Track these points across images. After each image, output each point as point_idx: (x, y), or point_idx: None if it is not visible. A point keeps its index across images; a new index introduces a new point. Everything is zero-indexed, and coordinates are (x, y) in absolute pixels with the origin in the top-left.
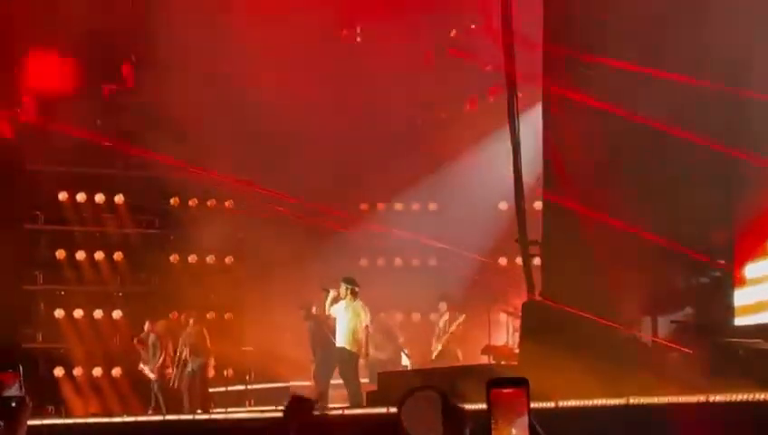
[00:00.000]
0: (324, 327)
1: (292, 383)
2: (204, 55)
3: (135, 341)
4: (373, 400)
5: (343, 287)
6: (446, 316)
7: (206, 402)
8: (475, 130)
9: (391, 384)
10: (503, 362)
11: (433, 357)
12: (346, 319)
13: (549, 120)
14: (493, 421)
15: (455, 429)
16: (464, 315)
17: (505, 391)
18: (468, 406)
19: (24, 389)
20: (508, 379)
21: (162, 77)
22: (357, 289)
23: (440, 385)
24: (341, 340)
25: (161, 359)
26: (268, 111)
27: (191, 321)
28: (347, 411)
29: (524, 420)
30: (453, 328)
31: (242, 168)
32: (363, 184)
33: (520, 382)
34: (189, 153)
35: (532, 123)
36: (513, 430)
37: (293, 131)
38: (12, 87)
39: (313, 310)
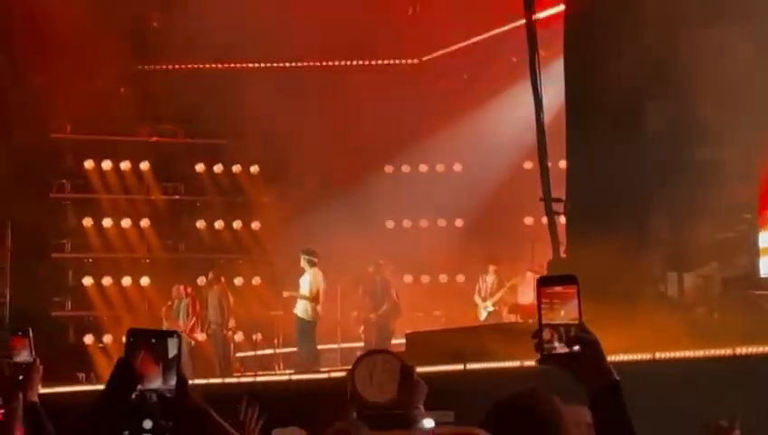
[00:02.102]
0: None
1: (320, 347)
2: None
3: (163, 310)
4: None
5: (303, 259)
6: (493, 277)
7: (231, 365)
8: (499, 90)
9: (419, 344)
10: (530, 321)
11: (482, 318)
12: (305, 288)
13: (571, 71)
14: (541, 319)
15: (408, 395)
16: (516, 278)
17: (555, 288)
18: (494, 364)
19: (34, 352)
20: (557, 276)
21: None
22: (311, 259)
23: (466, 344)
24: (299, 308)
25: (191, 323)
26: (295, 73)
27: (216, 281)
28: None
29: (575, 312)
30: (501, 294)
31: (269, 132)
32: (387, 145)
33: (569, 280)
34: (212, 120)
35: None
36: (555, 321)
37: (319, 91)
38: (37, 56)
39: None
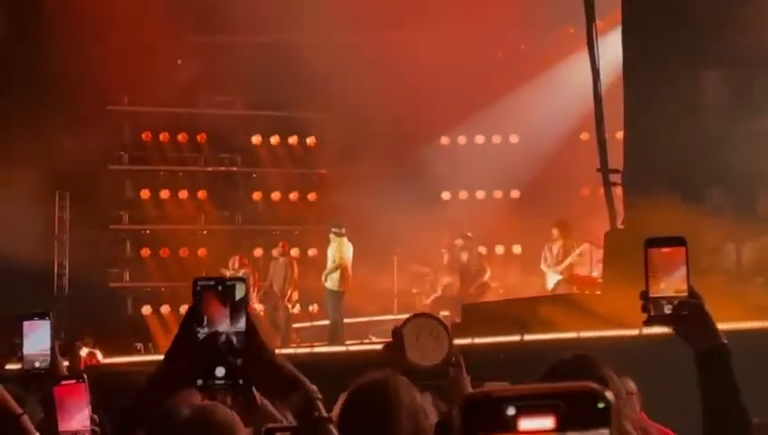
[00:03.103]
0: None
1: (375, 318)
2: None
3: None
4: (457, 331)
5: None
6: (559, 243)
7: (289, 336)
8: (556, 62)
9: (476, 315)
10: (586, 292)
11: (550, 287)
12: (330, 259)
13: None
14: (649, 280)
15: (455, 374)
16: (585, 244)
17: (663, 250)
18: (551, 335)
19: (54, 339)
20: (666, 238)
21: (242, 15)
22: (337, 231)
23: (523, 315)
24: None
25: (253, 294)
26: (352, 45)
27: (283, 253)
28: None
29: (682, 275)
30: (571, 259)
31: (326, 104)
32: (443, 117)
33: (678, 241)
34: (269, 92)
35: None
36: (662, 288)
37: (376, 63)
38: (95, 29)
39: None
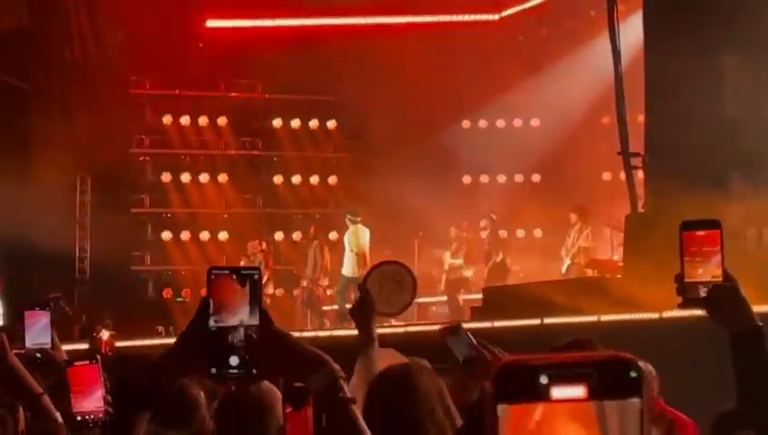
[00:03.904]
0: None
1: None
2: None
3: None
4: (478, 315)
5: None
6: (577, 228)
7: (321, 319)
8: (577, 46)
9: (497, 298)
10: (607, 275)
11: (563, 271)
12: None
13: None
14: (684, 263)
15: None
16: (589, 228)
17: (698, 233)
18: (572, 319)
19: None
20: (701, 221)
21: None
22: (352, 218)
23: (544, 299)
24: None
25: (265, 279)
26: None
27: (315, 237)
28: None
29: (717, 259)
30: (582, 242)
31: (347, 87)
32: (465, 101)
33: (713, 224)
34: (289, 76)
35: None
36: (697, 271)
37: (397, 48)
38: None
39: None
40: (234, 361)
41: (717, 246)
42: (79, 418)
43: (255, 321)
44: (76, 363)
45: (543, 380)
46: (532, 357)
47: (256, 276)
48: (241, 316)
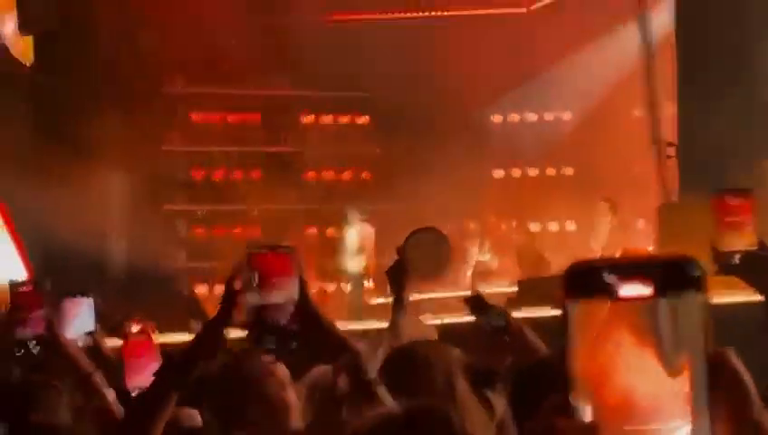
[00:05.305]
0: None
1: (424, 296)
2: None
3: None
4: (513, 304)
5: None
6: (607, 220)
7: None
8: (608, 37)
9: (532, 290)
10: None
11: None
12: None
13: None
14: (718, 231)
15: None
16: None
17: (731, 202)
18: None
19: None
20: (733, 189)
21: None
22: (360, 216)
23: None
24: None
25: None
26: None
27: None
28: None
29: (751, 227)
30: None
31: (378, 83)
32: (496, 95)
33: (746, 192)
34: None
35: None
36: (731, 239)
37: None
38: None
39: None
40: (271, 338)
41: (750, 215)
42: (133, 393)
43: (293, 297)
44: (131, 339)
45: (611, 278)
46: (600, 258)
47: (293, 254)
48: (284, 293)
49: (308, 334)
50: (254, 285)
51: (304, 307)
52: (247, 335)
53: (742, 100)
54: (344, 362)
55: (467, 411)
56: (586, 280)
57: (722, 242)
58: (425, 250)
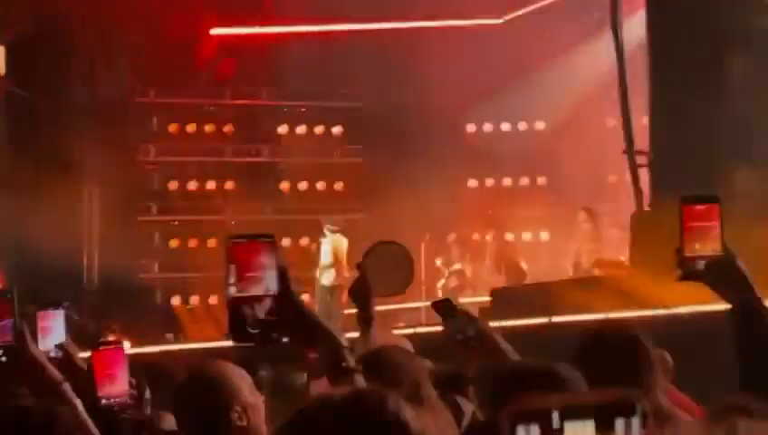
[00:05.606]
0: None
1: (403, 305)
2: None
3: None
4: (487, 315)
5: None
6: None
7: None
8: (581, 47)
9: (505, 299)
10: (614, 273)
11: (570, 273)
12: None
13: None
14: (683, 237)
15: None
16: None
17: (697, 207)
18: (579, 317)
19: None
20: (700, 196)
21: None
22: (331, 228)
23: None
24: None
25: None
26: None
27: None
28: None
29: (717, 233)
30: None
31: (352, 93)
32: (469, 105)
33: (712, 199)
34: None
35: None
36: (697, 245)
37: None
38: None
39: None
40: (256, 326)
41: (716, 221)
42: (104, 402)
43: (274, 287)
44: (101, 347)
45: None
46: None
47: (273, 243)
48: (265, 284)
49: (289, 326)
50: (232, 279)
51: (285, 298)
52: (227, 328)
53: (713, 110)
54: (326, 350)
55: (434, 413)
56: (530, 413)
57: (687, 248)
58: (386, 264)
